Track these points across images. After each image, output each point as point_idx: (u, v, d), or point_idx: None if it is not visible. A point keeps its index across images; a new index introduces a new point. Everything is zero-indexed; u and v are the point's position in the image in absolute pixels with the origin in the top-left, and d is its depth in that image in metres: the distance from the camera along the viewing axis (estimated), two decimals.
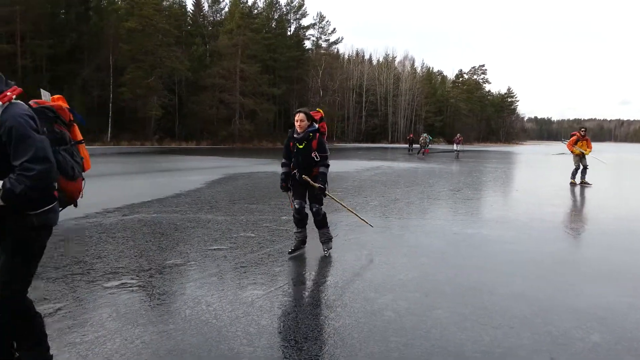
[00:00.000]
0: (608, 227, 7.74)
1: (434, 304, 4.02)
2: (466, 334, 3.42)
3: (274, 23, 58.38)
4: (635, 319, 3.80)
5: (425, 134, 35.90)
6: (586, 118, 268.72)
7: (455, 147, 32.92)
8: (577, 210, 9.50)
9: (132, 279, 4.49)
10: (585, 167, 14.02)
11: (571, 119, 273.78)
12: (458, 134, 33.74)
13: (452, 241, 6.56)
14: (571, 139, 14.46)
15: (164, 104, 44.22)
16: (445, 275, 4.86)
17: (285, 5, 59.97)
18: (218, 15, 56.64)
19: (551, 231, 7.35)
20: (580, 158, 14.02)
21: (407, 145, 40.14)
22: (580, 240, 6.85)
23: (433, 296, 4.21)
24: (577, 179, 14.01)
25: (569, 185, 13.75)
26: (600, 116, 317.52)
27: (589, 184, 13.87)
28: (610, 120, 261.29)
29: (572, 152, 14.20)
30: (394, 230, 7.26)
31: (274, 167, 19.22)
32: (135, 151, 32.21)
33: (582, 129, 14.50)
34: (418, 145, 35.23)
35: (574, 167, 14.14)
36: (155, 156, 27.17)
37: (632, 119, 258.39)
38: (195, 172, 16.79)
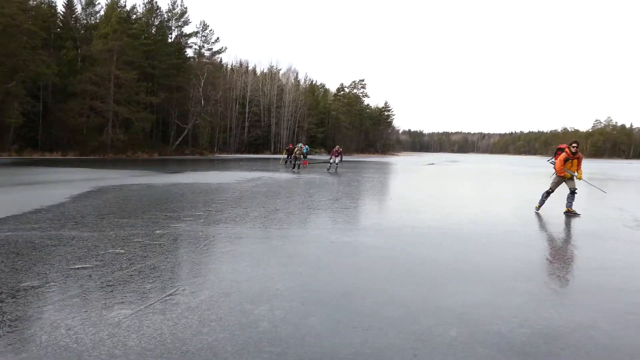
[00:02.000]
0: (463, 230, 8.49)
1: (309, 311, 4.09)
2: (339, 338, 3.52)
3: (154, 29, 55.81)
4: (487, 313, 4.19)
5: (300, 144, 31.50)
6: (454, 131, 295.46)
7: (332, 159, 27.62)
8: (442, 216, 10.30)
9: None
10: (572, 192, 10.73)
11: (440, 132, 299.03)
12: (337, 146, 29.01)
13: (329, 249, 6.74)
14: (560, 156, 10.94)
15: (26, 111, 40.01)
16: (322, 283, 4.97)
17: (166, 12, 57.64)
18: (92, 18, 52.78)
19: (420, 236, 7.88)
20: (567, 180, 10.91)
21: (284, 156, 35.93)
22: (443, 244, 7.39)
23: (309, 304, 4.28)
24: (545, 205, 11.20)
25: (441, 194, 14.57)
26: (465, 129, 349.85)
27: (577, 214, 10.58)
28: (474, 134, 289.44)
29: (560, 174, 10.89)
30: (274, 240, 7.28)
31: (149, 179, 18.32)
32: None
33: (574, 144, 10.94)
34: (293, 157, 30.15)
35: (550, 190, 11.15)
36: (13, 168, 24.44)
37: (491, 132, 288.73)
38: (60, 185, 15.40)
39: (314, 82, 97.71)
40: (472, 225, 9.22)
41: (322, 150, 79.99)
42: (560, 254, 6.83)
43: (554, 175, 11.13)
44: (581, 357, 3.37)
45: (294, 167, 28.55)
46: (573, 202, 10.72)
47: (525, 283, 5.20)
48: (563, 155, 10.84)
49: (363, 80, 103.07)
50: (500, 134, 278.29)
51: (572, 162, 10.90)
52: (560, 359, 3.35)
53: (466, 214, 10.86)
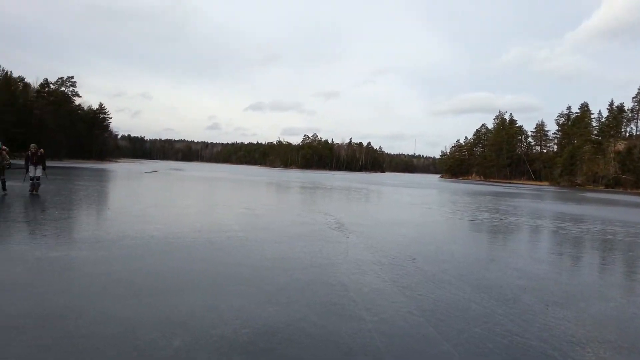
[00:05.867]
0: (188, 238, 8.56)
1: (9, 341, 3.48)
2: None
3: None
4: (212, 317, 4.30)
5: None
6: (177, 139, 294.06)
7: (32, 171, 16.03)
8: (165, 225, 10.11)
9: None
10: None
11: (163, 138, 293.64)
12: (33, 145, 16.69)
13: (33, 267, 5.87)
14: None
15: None
16: (23, 307, 4.29)
17: None
18: None
19: (142, 247, 7.56)
20: None
21: None
22: (167, 254, 7.26)
23: (9, 333, 3.64)
24: None
25: (165, 203, 14.34)
26: (189, 138, 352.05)
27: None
28: (198, 142, 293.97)
29: None
30: None
31: None
32: None
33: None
34: None
35: None
36: None
37: (214, 142, 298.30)
38: None
39: (9, 74, 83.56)
40: (196, 233, 9.35)
41: (24, 154, 68.89)
42: (276, 256, 7.49)
43: None
44: (293, 349, 3.78)
45: None
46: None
47: (246, 286, 5.53)
48: None
49: (72, 78, 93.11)
50: (222, 144, 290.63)
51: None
52: (277, 352, 3.68)
53: (190, 222, 10.94)
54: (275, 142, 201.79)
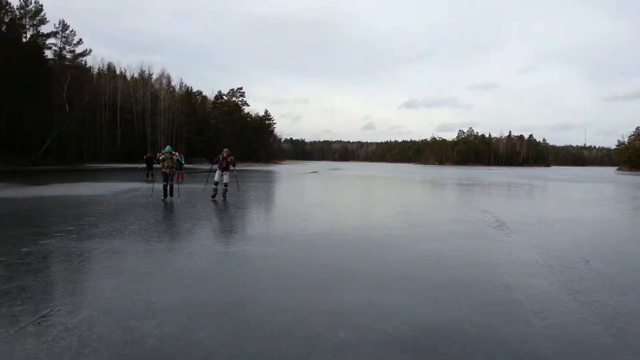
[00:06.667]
0: (348, 236, 8.89)
1: (198, 325, 4.00)
2: (230, 350, 3.50)
3: (4, 27, 50.22)
4: (373, 313, 4.43)
5: (169, 148, 15.53)
6: (334, 140, 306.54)
7: (219, 175, 15.39)
8: (327, 223, 10.65)
9: None
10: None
11: (321, 140, 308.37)
12: (225, 150, 15.77)
13: (215, 260, 6.64)
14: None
15: None
16: (209, 295, 4.88)
17: (18, 9, 52.10)
18: None
19: (306, 243, 8.05)
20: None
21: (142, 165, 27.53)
22: (329, 250, 7.65)
23: (197, 318, 4.18)
24: None
25: (325, 202, 14.75)
26: (345, 138, 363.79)
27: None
28: (353, 142, 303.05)
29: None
30: (156, 254, 6.99)
31: (9, 192, 16.50)
32: None
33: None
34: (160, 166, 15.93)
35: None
36: None
37: (369, 141, 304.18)
38: None
39: (190, 89, 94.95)
40: (356, 230, 9.66)
41: (203, 160, 77.90)
42: (434, 254, 7.42)
43: None
44: (456, 347, 3.71)
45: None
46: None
47: (405, 282, 5.57)
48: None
49: (242, 89, 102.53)
50: (377, 143, 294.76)
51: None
52: (439, 350, 3.66)
53: (349, 220, 11.35)
54: (429, 139, 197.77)
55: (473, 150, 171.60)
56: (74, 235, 8.04)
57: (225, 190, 15.40)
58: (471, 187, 27.91)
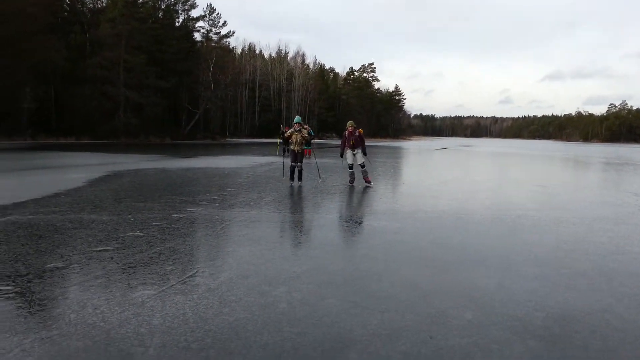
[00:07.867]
0: (477, 215, 8.53)
1: (326, 293, 4.17)
2: (356, 320, 3.60)
3: (160, 13, 55.74)
4: (502, 296, 4.25)
5: (298, 118, 13.07)
6: (466, 115, 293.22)
7: (349, 154, 12.93)
8: (456, 201, 10.33)
9: (7, 285, 4.12)
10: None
11: (452, 116, 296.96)
12: (350, 124, 13.12)
13: (343, 233, 6.82)
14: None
15: (38, 96, 40.31)
16: (337, 266, 5.05)
17: None
18: (99, 2, 52.80)
19: (434, 221, 7.92)
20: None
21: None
22: (457, 229, 7.44)
23: (325, 286, 4.37)
24: None
25: (455, 179, 14.47)
26: (478, 114, 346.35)
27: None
28: (487, 118, 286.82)
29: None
30: (289, 224, 7.38)
31: (163, 163, 18.50)
32: (5, 147, 29.10)
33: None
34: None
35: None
36: (29, 153, 24.80)
37: (504, 116, 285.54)
38: (76, 169, 15.63)
39: (323, 66, 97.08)
40: (487, 210, 9.24)
41: (333, 134, 79.83)
42: (574, 239, 6.84)
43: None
44: (596, 340, 3.41)
45: (284, 153, 13.86)
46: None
47: (539, 267, 5.23)
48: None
49: (372, 64, 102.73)
50: (513, 118, 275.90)
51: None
52: (575, 341, 3.39)
53: (480, 199, 10.87)
54: (574, 114, 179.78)
55: (626, 126, 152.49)
56: (217, 204, 8.79)
57: (366, 172, 12.79)
58: (621, 166, 24.96)
